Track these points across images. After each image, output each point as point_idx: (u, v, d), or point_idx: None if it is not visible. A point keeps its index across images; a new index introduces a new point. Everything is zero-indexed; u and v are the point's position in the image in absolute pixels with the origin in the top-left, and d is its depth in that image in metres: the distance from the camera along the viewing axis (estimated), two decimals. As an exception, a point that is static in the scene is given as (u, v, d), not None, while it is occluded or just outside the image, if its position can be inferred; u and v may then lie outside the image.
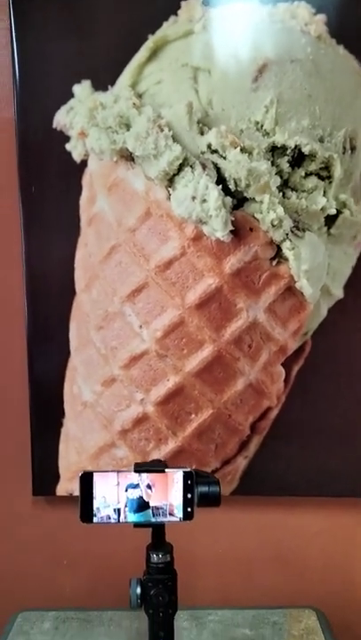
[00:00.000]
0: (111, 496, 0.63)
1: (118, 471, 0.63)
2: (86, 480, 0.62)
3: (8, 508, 0.93)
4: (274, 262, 0.86)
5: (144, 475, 0.63)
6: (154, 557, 0.64)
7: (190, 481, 0.63)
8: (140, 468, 0.63)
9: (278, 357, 0.89)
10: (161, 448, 0.89)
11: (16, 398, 0.91)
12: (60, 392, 0.90)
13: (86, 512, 0.62)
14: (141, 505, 0.63)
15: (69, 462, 0.91)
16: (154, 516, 0.63)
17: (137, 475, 0.63)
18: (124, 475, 0.63)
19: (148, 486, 0.63)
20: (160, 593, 0.63)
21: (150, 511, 0.63)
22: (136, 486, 0.62)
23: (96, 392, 0.89)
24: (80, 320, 0.89)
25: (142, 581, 0.64)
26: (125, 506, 0.63)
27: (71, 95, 0.85)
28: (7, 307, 0.90)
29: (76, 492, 0.91)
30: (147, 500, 0.63)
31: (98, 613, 0.86)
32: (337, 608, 0.89)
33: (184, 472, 0.63)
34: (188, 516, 0.63)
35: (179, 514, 0.63)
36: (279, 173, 0.83)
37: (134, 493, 0.63)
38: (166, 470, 0.63)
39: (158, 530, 0.65)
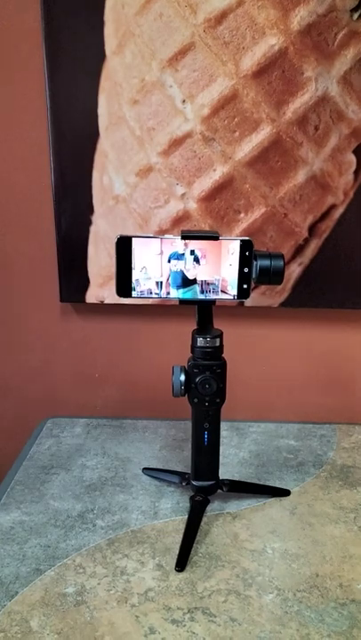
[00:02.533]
0: (153, 267, 0.54)
1: (162, 237, 0.54)
2: (123, 246, 0.54)
3: (35, 316, 0.88)
4: (355, 15, 0.70)
5: (192, 244, 0.54)
6: (200, 341, 0.57)
7: (248, 252, 0.54)
8: (188, 234, 0.54)
9: (350, 142, 0.76)
10: (204, 250, 0.80)
11: (40, 193, 0.81)
12: (87, 185, 0.80)
13: (124, 285, 0.55)
14: (185, 280, 0.55)
15: (100, 266, 0.84)
16: (203, 292, 0.55)
17: (184, 243, 0.54)
18: (169, 242, 0.54)
19: (196, 259, 0.54)
20: (207, 380, 0.58)
21: (198, 288, 0.55)
22: (181, 257, 0.54)
23: (130, 184, 0.79)
24: (111, 92, 0.76)
25: (187, 369, 0.58)
26: (168, 280, 0.55)
27: None
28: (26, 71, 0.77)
29: (108, 300, 0.85)
30: (192, 277, 0.55)
31: (132, 422, 0.83)
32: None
33: (242, 241, 0.54)
34: (243, 293, 0.55)
35: (233, 291, 0.55)
36: None
37: (179, 265, 0.54)
38: (220, 238, 0.54)
39: (207, 310, 0.58)
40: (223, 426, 0.77)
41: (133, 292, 0.55)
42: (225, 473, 0.69)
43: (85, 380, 0.90)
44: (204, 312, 0.58)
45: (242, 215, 0.79)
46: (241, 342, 0.84)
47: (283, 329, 0.86)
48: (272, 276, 0.54)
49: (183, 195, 0.78)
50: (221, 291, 0.55)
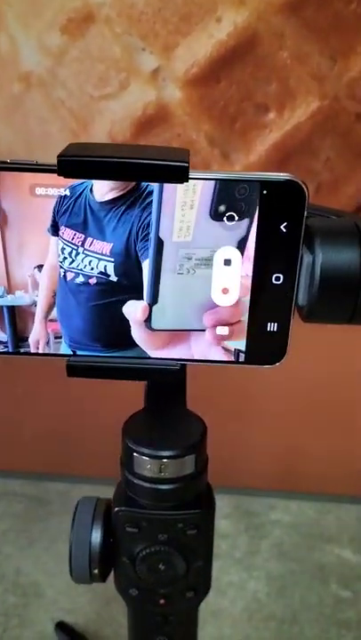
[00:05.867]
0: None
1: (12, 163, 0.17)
2: None
3: None
4: None
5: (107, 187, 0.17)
6: (145, 465, 0.21)
7: (291, 223, 0.17)
8: (73, 156, 0.16)
9: None
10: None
11: None
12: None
13: None
14: (119, 333, 0.19)
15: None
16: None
17: (75, 188, 0.17)
18: (26, 181, 0.17)
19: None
20: (162, 555, 0.22)
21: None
22: (103, 217, 0.17)
23: (51, 51, 0.41)
24: None
25: (112, 515, 0.23)
26: (50, 303, 0.18)
27: None
28: None
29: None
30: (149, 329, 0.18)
31: (63, 487, 0.50)
32: None
33: (267, 184, 0.16)
34: (266, 349, 0.19)
35: (235, 343, 0.19)
36: None
37: (82, 261, 0.18)
38: (191, 175, 0.16)
39: (164, 386, 0.22)
40: (221, 507, 0.44)
41: None
42: (217, 637, 0.36)
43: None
44: (159, 390, 0.21)
45: (271, 115, 0.42)
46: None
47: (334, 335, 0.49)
48: (343, 297, 0.17)
49: (156, 71, 0.41)
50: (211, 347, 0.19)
